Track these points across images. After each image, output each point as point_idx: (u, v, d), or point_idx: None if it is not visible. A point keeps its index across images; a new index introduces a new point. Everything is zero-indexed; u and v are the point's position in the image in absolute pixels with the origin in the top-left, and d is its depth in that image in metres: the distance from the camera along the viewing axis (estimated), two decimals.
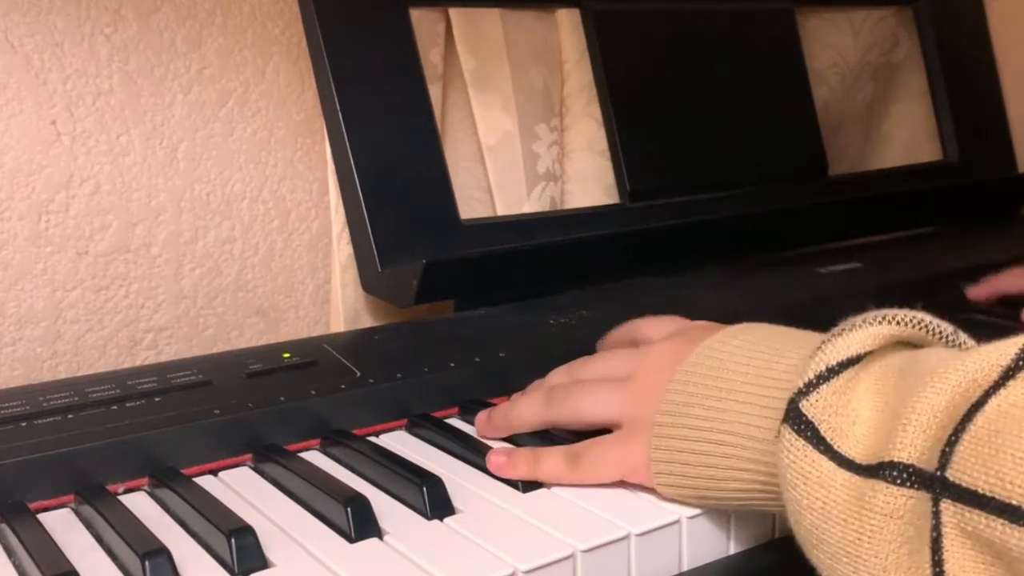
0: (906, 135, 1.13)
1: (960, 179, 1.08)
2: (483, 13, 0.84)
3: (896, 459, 0.39)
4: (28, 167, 0.74)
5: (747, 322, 0.52)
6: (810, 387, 0.43)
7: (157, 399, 0.60)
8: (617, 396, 0.54)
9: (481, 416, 0.61)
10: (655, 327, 0.60)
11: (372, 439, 0.62)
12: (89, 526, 0.52)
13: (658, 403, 0.51)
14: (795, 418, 0.43)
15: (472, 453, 0.58)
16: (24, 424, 0.57)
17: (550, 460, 0.53)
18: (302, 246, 0.86)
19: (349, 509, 0.49)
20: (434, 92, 0.81)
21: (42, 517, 0.52)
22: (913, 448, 0.39)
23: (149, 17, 0.77)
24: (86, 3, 0.75)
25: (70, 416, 0.58)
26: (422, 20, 0.81)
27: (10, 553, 0.50)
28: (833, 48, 1.05)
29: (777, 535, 0.54)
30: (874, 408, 0.42)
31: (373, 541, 0.48)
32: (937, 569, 0.37)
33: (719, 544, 0.52)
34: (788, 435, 0.43)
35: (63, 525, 0.52)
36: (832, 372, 0.43)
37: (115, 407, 0.59)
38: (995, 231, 1.06)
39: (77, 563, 0.46)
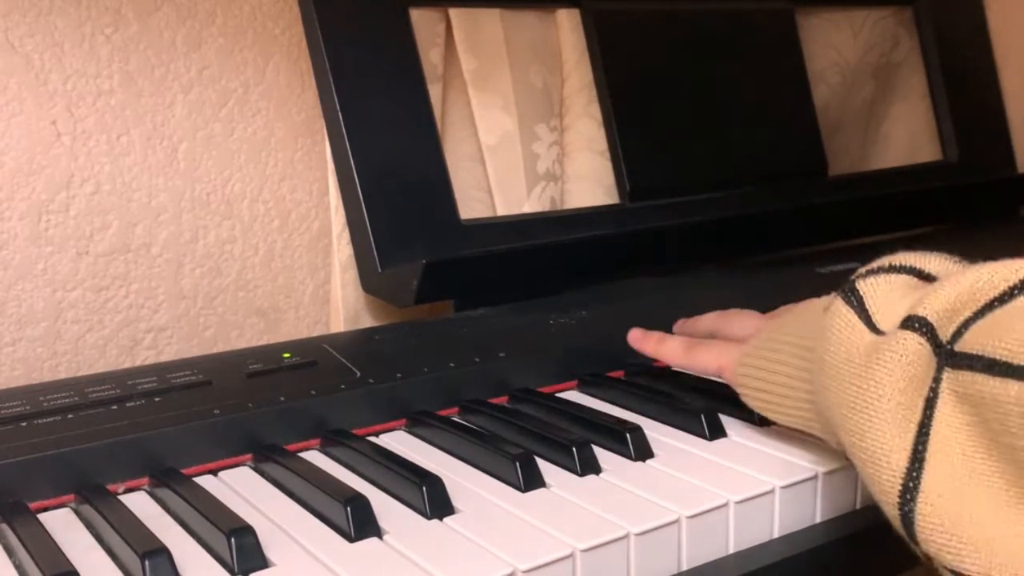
0: (906, 135, 1.13)
1: (960, 179, 1.08)
2: (483, 13, 0.84)
3: (919, 313, 0.44)
4: (28, 167, 0.74)
5: None
6: (871, 272, 0.49)
7: (157, 399, 0.60)
8: (754, 323, 0.65)
9: (635, 329, 0.71)
10: (740, 323, 0.67)
11: (372, 439, 0.62)
12: (89, 526, 0.52)
13: (763, 328, 0.59)
14: (849, 290, 0.49)
15: (472, 453, 0.58)
16: (24, 424, 0.57)
17: (672, 343, 0.67)
18: (302, 246, 0.86)
19: (349, 509, 0.49)
20: (434, 92, 0.81)
21: (42, 517, 0.53)
22: (934, 312, 0.44)
23: (149, 17, 0.78)
24: (86, 3, 0.75)
25: (70, 416, 0.58)
26: (422, 20, 0.81)
27: (10, 553, 0.50)
28: (833, 48, 1.05)
29: (777, 534, 0.54)
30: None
31: (373, 541, 0.48)
32: (927, 413, 0.42)
33: (718, 544, 0.52)
34: (838, 302, 0.49)
35: (63, 525, 0.52)
36: (895, 269, 0.49)
37: (115, 407, 0.59)
38: (995, 231, 1.06)
39: (77, 563, 0.46)
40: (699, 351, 0.65)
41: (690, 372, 0.67)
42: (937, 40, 1.09)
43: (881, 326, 0.46)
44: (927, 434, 0.42)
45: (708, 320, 0.70)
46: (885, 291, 0.48)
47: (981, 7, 1.13)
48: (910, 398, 0.43)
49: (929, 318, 0.43)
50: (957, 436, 0.41)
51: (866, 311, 0.47)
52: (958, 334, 0.42)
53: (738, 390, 0.59)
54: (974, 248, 0.93)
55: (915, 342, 0.43)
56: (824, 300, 0.53)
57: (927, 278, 0.48)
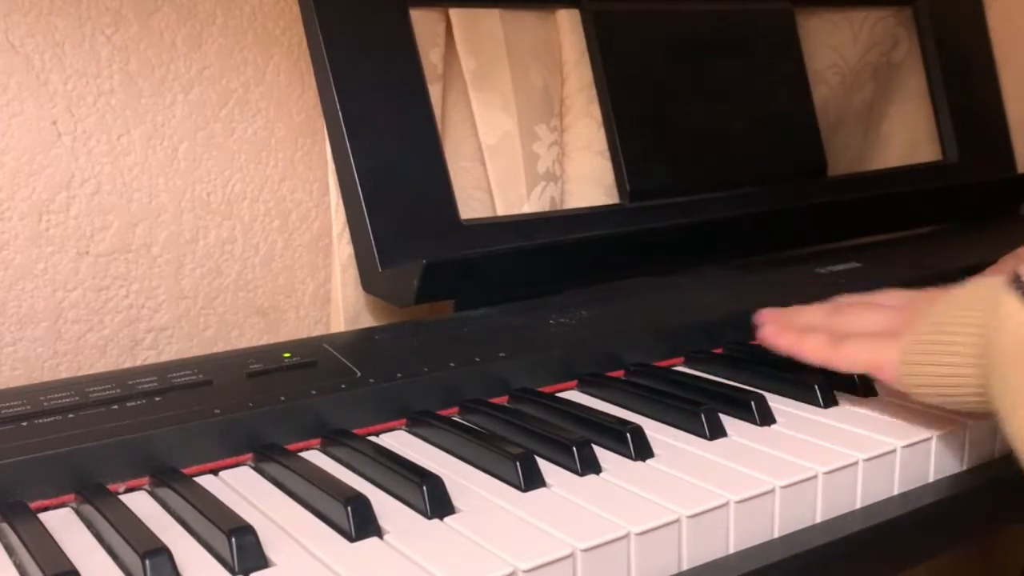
0: (906, 135, 1.13)
1: (959, 179, 1.08)
2: (483, 13, 0.84)
3: None
4: (29, 167, 0.74)
5: None
6: None
7: (157, 399, 0.60)
8: (891, 316, 0.62)
9: (766, 311, 0.68)
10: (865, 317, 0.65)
11: (372, 439, 0.62)
12: (90, 525, 0.52)
13: (915, 322, 0.58)
14: (1016, 280, 0.50)
15: (472, 452, 0.58)
16: (25, 424, 0.57)
17: (814, 338, 0.62)
18: (302, 246, 0.86)
19: (349, 508, 0.49)
20: (434, 92, 0.81)
21: (43, 516, 0.53)
22: None
23: (150, 17, 0.78)
24: (87, 3, 0.75)
25: (71, 416, 0.58)
26: (422, 20, 0.81)
27: (11, 552, 0.50)
28: (833, 48, 1.06)
29: (777, 534, 0.54)
30: None
31: (373, 540, 0.48)
32: None
33: (719, 544, 0.52)
34: (1005, 290, 0.50)
35: (64, 524, 0.52)
36: None
37: (116, 407, 0.59)
38: (995, 231, 1.06)
39: (78, 562, 0.46)
40: (847, 347, 0.61)
41: (834, 369, 0.63)
42: (937, 40, 1.09)
43: None
44: None
45: (816, 314, 0.67)
46: None
47: (981, 7, 1.13)
48: None
49: None
50: None
51: None
52: None
53: (902, 386, 0.58)
54: (974, 248, 0.94)
55: None
56: (973, 291, 0.55)
57: None
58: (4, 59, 0.73)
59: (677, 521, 0.50)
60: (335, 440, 0.60)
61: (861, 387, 0.66)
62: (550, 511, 0.51)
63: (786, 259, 0.94)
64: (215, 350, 0.82)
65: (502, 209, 0.85)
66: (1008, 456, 0.55)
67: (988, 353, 0.51)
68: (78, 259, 0.76)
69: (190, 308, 0.81)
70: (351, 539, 0.49)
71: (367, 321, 0.82)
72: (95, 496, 0.53)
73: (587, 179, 0.89)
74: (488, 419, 0.64)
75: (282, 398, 0.61)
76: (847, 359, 0.61)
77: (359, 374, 0.65)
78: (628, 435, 0.58)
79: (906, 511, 0.56)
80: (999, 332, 0.50)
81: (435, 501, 0.51)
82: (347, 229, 0.78)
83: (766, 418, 0.62)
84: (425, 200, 0.78)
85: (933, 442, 0.60)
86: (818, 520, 0.55)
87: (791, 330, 0.64)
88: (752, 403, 0.62)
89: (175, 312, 0.81)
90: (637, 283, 0.85)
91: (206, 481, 0.56)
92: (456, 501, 0.52)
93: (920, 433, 0.60)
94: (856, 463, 0.56)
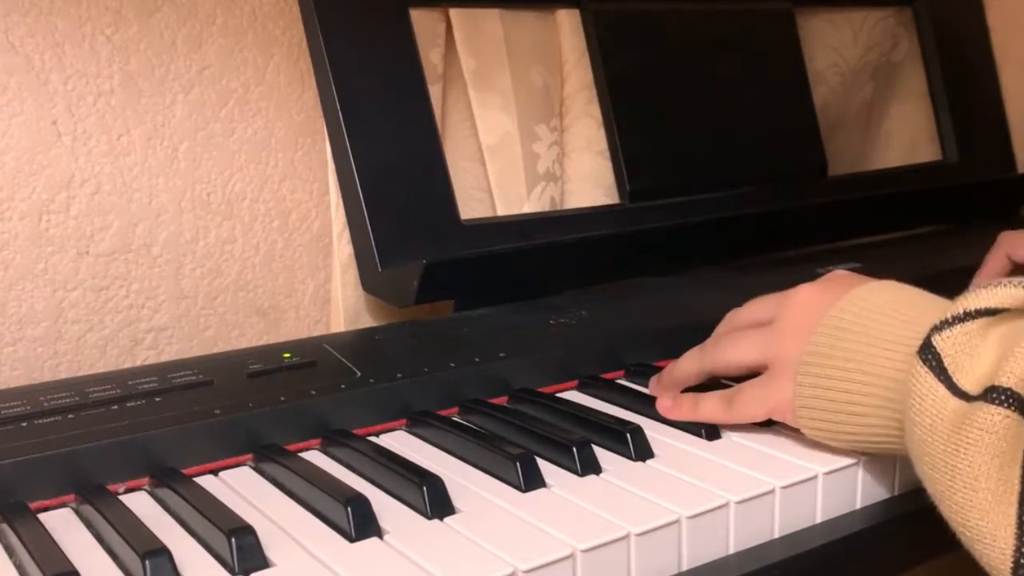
0: (906, 135, 1.13)
1: (959, 179, 1.08)
2: (483, 13, 0.84)
3: (1000, 384, 0.44)
4: (29, 167, 0.74)
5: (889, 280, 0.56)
6: (945, 325, 0.48)
7: (157, 399, 0.60)
8: (761, 339, 0.59)
9: (652, 380, 0.67)
10: (737, 349, 0.62)
11: (372, 439, 0.62)
12: (90, 526, 0.52)
13: (803, 344, 0.55)
14: (925, 349, 0.48)
15: (472, 453, 0.58)
16: (25, 424, 0.57)
17: (709, 403, 0.60)
18: (302, 246, 0.86)
19: (349, 508, 0.49)
20: (434, 92, 0.81)
21: (43, 517, 0.53)
22: (1015, 376, 0.44)
23: (150, 17, 0.78)
24: (87, 3, 0.75)
25: (71, 416, 0.58)
26: (422, 20, 0.81)
27: (11, 553, 0.50)
28: (833, 48, 1.05)
29: (777, 534, 0.54)
30: (995, 356, 0.46)
31: (373, 540, 0.48)
32: None
33: (718, 544, 0.52)
34: (916, 363, 0.48)
35: (64, 525, 0.52)
36: (968, 316, 0.47)
37: (116, 407, 0.59)
38: (995, 231, 1.06)
39: (78, 563, 0.46)
40: (739, 402, 0.59)
41: (738, 423, 0.60)
42: (937, 40, 1.09)
43: (964, 386, 0.46)
44: None
45: (691, 362, 0.63)
46: (963, 344, 0.47)
47: (981, 7, 1.13)
48: (1006, 473, 0.43)
49: (1014, 388, 0.44)
50: None
51: (946, 372, 0.47)
52: None
53: (803, 429, 0.56)
54: (974, 248, 0.94)
55: (1002, 416, 0.43)
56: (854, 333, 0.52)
57: (998, 312, 0.47)
58: (4, 59, 0.73)
59: (677, 521, 0.50)
60: (335, 440, 0.60)
61: None
62: (550, 511, 0.51)
63: (786, 259, 0.94)
64: (215, 350, 0.82)
65: (502, 209, 0.85)
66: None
67: (904, 424, 0.49)
68: (78, 259, 0.76)
69: (190, 308, 0.81)
70: (351, 539, 0.49)
71: (367, 321, 0.82)
72: (95, 496, 0.53)
73: (587, 179, 0.89)
74: (488, 419, 0.64)
75: (282, 398, 0.61)
76: (745, 415, 0.59)
77: (359, 374, 0.65)
78: (628, 435, 0.58)
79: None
80: (918, 412, 0.47)
81: (435, 501, 0.51)
82: (347, 229, 0.78)
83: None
84: (425, 200, 0.78)
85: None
86: (818, 520, 0.55)
87: (682, 399, 0.62)
88: None
89: (175, 312, 0.81)
90: (637, 283, 0.85)
91: (206, 481, 0.56)
92: (456, 501, 0.52)
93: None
94: (857, 463, 0.56)
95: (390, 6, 0.79)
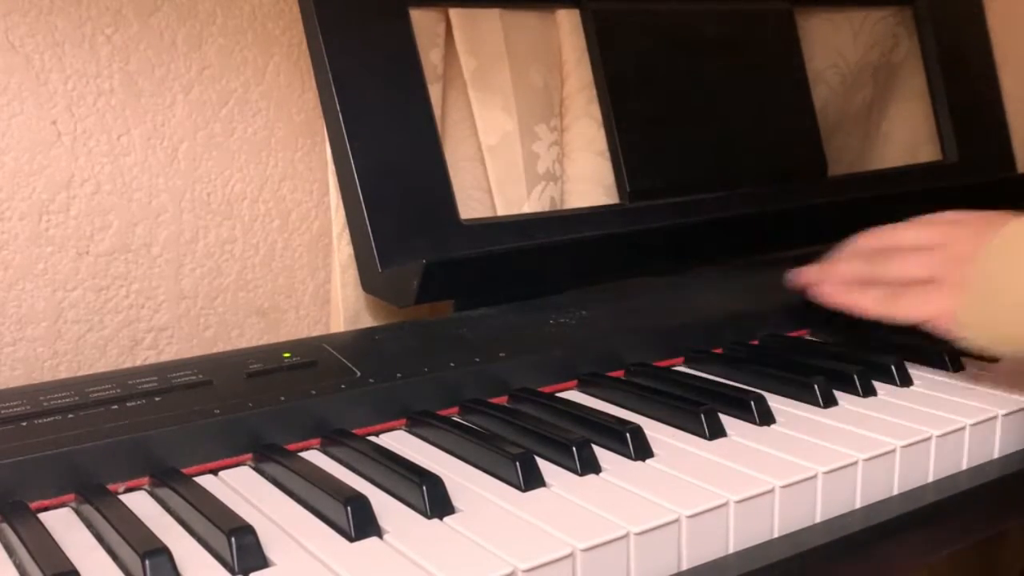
0: (906, 135, 1.13)
1: (959, 179, 1.08)
2: (483, 13, 0.84)
3: None
4: (29, 167, 0.74)
5: None
6: None
7: (157, 399, 0.60)
8: (928, 260, 0.66)
9: (806, 269, 0.74)
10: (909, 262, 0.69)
11: (372, 439, 0.62)
12: (90, 525, 0.52)
13: (970, 265, 0.62)
14: None
15: (472, 453, 0.58)
16: (25, 424, 0.57)
17: (874, 292, 0.68)
18: (302, 246, 0.86)
19: (349, 508, 0.49)
20: (434, 92, 0.81)
21: (43, 516, 0.53)
22: None
23: (150, 17, 0.78)
24: (87, 3, 0.75)
25: (71, 416, 0.58)
26: (422, 20, 0.81)
27: (11, 552, 0.50)
28: (833, 48, 1.05)
29: (777, 534, 0.54)
30: None
31: (373, 540, 0.49)
32: None
33: (718, 544, 0.52)
34: None
35: (64, 525, 0.52)
36: None
37: (115, 407, 0.59)
38: None
39: (78, 563, 0.46)
40: (903, 303, 0.66)
41: (891, 321, 0.67)
42: (937, 40, 1.09)
43: None
44: None
45: (858, 265, 0.71)
46: None
47: (981, 7, 1.13)
48: None
49: None
50: None
51: None
52: None
53: (962, 333, 0.62)
54: None
55: None
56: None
57: None
58: (4, 59, 0.73)
59: (677, 521, 0.50)
60: (335, 440, 0.60)
61: (861, 387, 0.66)
62: (550, 511, 0.51)
63: (786, 259, 0.94)
64: (215, 350, 0.82)
65: (502, 209, 0.85)
66: (1008, 456, 0.56)
67: None
68: (78, 259, 0.76)
69: (190, 308, 0.81)
70: (351, 539, 0.49)
71: (367, 321, 0.82)
72: (95, 496, 0.53)
73: (587, 179, 0.89)
74: (488, 419, 0.64)
75: (282, 398, 0.61)
76: (906, 315, 0.66)
77: (359, 374, 0.65)
78: (628, 435, 0.58)
79: (907, 511, 0.57)
80: None
81: (435, 501, 0.51)
82: (347, 229, 0.78)
83: (766, 418, 0.62)
84: (425, 200, 0.78)
85: (932, 442, 0.60)
86: (818, 520, 0.55)
87: (852, 289, 0.69)
88: (752, 403, 0.62)
89: (175, 312, 0.81)
90: (637, 283, 0.85)
91: (206, 481, 0.56)
92: (456, 501, 0.52)
93: (919, 433, 0.60)
94: (856, 463, 0.56)
95: (390, 6, 0.79)
